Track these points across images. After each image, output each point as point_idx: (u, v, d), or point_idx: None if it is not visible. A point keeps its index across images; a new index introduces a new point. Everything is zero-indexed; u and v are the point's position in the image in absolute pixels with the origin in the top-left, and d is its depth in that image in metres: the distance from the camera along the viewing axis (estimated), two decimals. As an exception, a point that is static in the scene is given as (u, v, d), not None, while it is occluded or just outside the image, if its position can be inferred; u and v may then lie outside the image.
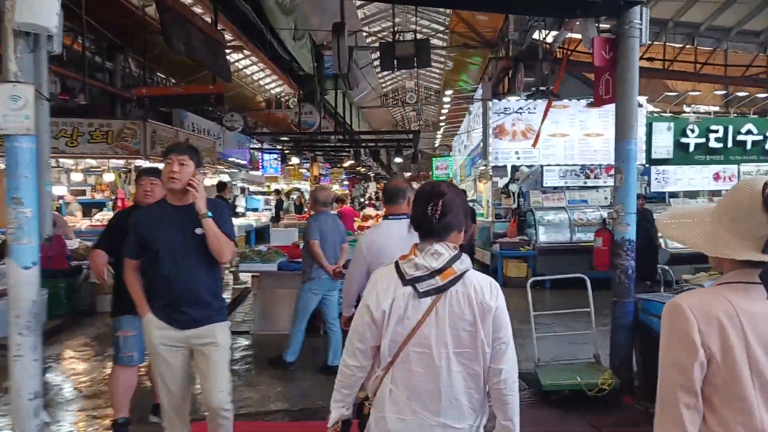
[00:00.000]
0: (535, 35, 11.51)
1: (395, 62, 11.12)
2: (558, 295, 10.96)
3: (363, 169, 20.57)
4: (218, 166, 17.16)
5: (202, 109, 13.37)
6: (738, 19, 13.22)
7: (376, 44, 11.03)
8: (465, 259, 1.95)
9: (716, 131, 12.44)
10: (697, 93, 13.11)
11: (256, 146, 19.33)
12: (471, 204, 13.81)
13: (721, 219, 1.46)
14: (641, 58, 12.90)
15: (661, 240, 11.20)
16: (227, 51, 9.95)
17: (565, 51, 11.25)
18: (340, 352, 2.84)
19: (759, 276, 1.36)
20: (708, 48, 13.59)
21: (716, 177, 12.62)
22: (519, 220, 11.99)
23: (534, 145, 9.93)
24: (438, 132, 22.42)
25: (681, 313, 1.40)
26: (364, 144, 11.42)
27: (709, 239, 1.47)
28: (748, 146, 12.65)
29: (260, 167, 21.31)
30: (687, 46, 13.34)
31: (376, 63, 19.03)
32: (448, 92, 14.39)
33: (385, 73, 20.14)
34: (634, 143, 5.09)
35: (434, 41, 15.28)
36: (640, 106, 11.68)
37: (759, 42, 13.78)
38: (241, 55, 14.60)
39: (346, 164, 16.41)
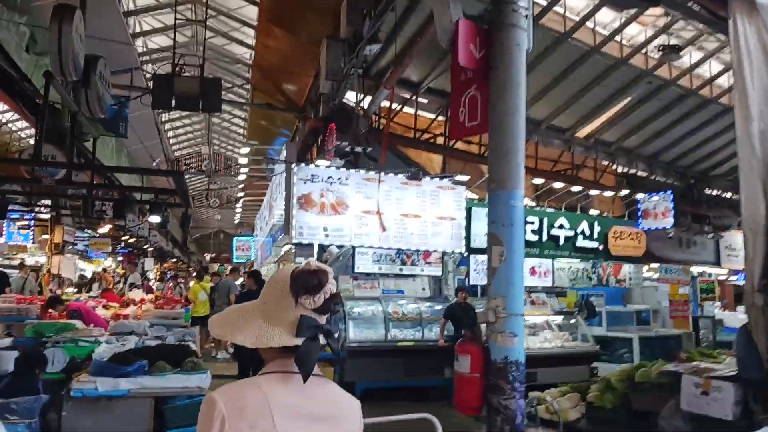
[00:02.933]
0: (350, 96, 9.92)
1: (174, 100, 8.65)
2: (369, 408, 8.70)
3: (137, 240, 16.98)
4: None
5: None
6: (547, 113, 13.18)
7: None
8: None
9: (532, 223, 11.77)
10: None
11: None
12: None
13: (263, 309, 1.44)
14: (458, 139, 12.07)
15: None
16: None
17: (385, 116, 9.74)
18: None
19: (294, 361, 1.36)
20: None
21: (532, 271, 11.82)
22: (324, 313, 9.73)
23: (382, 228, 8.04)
24: (237, 205, 19.79)
25: (212, 406, 1.34)
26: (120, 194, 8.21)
27: (251, 331, 1.42)
28: (561, 241, 12.18)
29: (2, 233, 16.56)
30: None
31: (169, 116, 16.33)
32: (245, 150, 12.12)
33: (178, 132, 17.30)
34: (520, 197, 3.22)
35: (231, 95, 13.09)
36: (461, 183, 10.51)
37: (564, 139, 13.89)
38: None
39: (103, 229, 12.89)
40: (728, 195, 16.10)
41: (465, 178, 10.07)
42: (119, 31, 9.92)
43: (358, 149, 8.69)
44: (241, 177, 13.66)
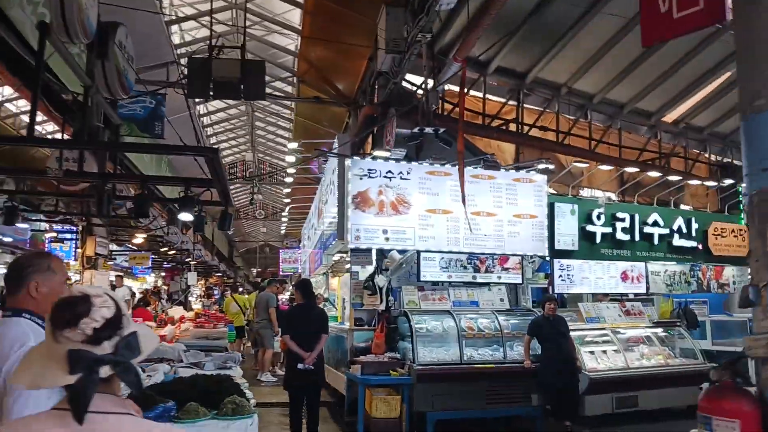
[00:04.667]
0: (410, 78, 8.58)
1: (211, 86, 7.48)
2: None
3: (178, 254, 16.01)
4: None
5: None
6: (630, 95, 11.53)
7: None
8: None
9: (623, 220, 10.11)
10: (592, 172, 10.90)
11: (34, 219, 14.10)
12: (323, 306, 9.99)
13: (42, 347, 1.33)
14: (532, 126, 10.55)
15: (578, 359, 8.17)
16: None
17: (457, 97, 8.34)
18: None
19: (69, 401, 1.24)
20: (601, 124, 11.68)
21: (624, 276, 10.15)
22: (388, 329, 8.34)
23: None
24: (283, 214, 18.64)
25: None
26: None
27: (29, 371, 1.29)
28: (655, 240, 10.45)
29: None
30: (581, 120, 11.28)
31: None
32: (292, 146, 10.84)
33: (220, 139, 16.36)
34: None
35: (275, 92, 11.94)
36: (544, 172, 9.00)
37: (650, 125, 12.19)
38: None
39: (137, 240, 11.79)
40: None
41: (550, 166, 8.53)
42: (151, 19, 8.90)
43: (428, 129, 7.29)
44: (288, 180, 12.46)
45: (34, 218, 13.76)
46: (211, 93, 7.41)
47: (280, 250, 22.80)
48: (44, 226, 12.74)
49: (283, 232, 22.02)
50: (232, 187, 22.43)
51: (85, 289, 1.36)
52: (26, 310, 2.26)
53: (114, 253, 15.56)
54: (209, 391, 4.14)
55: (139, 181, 4.62)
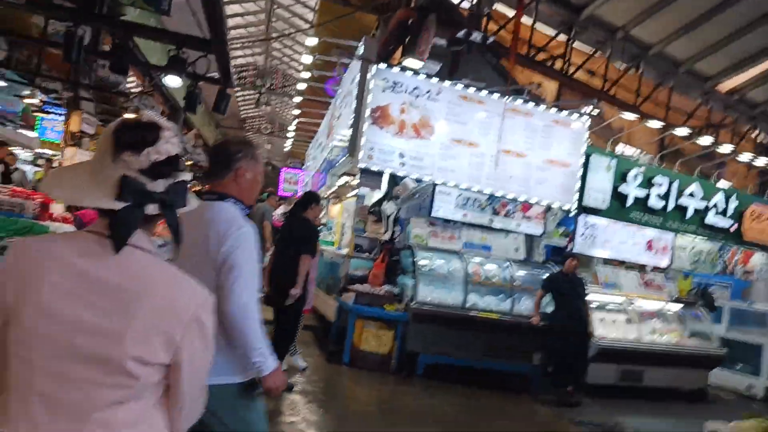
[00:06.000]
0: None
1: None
2: (436, 391, 6.69)
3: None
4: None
5: None
6: (690, 53, 10.43)
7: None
8: None
9: (660, 185, 9.20)
10: (633, 129, 9.90)
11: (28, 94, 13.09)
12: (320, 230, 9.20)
13: (92, 164, 1.25)
14: (579, 67, 9.50)
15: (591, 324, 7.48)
16: None
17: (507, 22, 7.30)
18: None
19: (109, 226, 1.19)
20: (651, 80, 10.61)
21: (649, 246, 9.34)
22: (389, 261, 7.59)
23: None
24: (289, 130, 17.54)
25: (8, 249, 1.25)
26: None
27: (68, 186, 1.25)
28: (689, 213, 9.58)
29: (35, 127, 14.91)
30: (630, 71, 10.21)
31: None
32: (311, 42, 9.61)
33: (232, 34, 15.17)
34: None
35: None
36: (588, 115, 8.05)
37: (703, 90, 11.12)
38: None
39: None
40: None
41: (595, 111, 7.55)
42: None
43: (475, 36, 6.27)
44: (300, 86, 11.35)
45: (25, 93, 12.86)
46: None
47: (282, 169, 21.93)
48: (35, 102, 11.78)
49: (287, 149, 21.01)
50: (239, 94, 21.28)
51: (156, 118, 1.26)
52: (230, 196, 2.26)
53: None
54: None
55: (121, 30, 3.70)
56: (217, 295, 2.00)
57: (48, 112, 12.05)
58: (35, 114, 14.64)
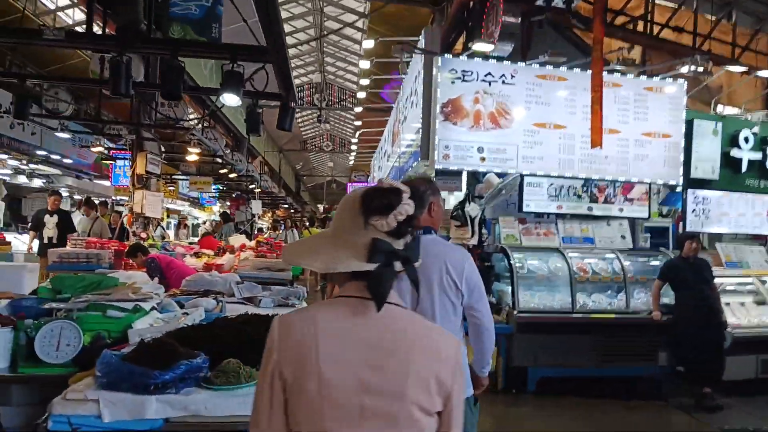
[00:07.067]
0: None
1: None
2: (552, 408, 5.96)
3: (241, 178, 14.83)
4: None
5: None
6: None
7: None
8: None
9: (774, 144, 8.05)
10: (733, 88, 8.74)
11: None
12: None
13: (334, 233, 1.34)
14: (665, 25, 8.48)
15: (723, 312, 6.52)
16: None
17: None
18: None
19: (368, 288, 1.26)
20: (748, 29, 9.41)
21: (770, 215, 8.19)
22: (481, 268, 6.90)
23: (596, 142, 5.11)
24: (353, 143, 17.12)
25: (271, 334, 1.28)
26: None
27: (320, 256, 1.31)
28: (815, 172, 8.34)
29: (110, 175, 15.19)
30: (723, 21, 9.08)
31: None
32: (368, 44, 9.03)
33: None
34: None
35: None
36: (683, 76, 7.09)
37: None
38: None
39: (191, 157, 10.56)
40: None
41: (699, 67, 6.58)
42: None
43: (557, 1, 5.53)
44: (360, 95, 10.86)
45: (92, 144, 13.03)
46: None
47: (348, 184, 21.64)
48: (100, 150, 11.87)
49: (351, 163, 20.67)
50: (298, 116, 21.17)
51: (394, 182, 1.33)
52: (432, 228, 2.66)
53: (173, 177, 14.74)
54: (260, 338, 2.85)
55: (170, 49, 3.25)
56: (469, 314, 2.61)
57: (117, 159, 12.16)
58: (105, 161, 14.92)
